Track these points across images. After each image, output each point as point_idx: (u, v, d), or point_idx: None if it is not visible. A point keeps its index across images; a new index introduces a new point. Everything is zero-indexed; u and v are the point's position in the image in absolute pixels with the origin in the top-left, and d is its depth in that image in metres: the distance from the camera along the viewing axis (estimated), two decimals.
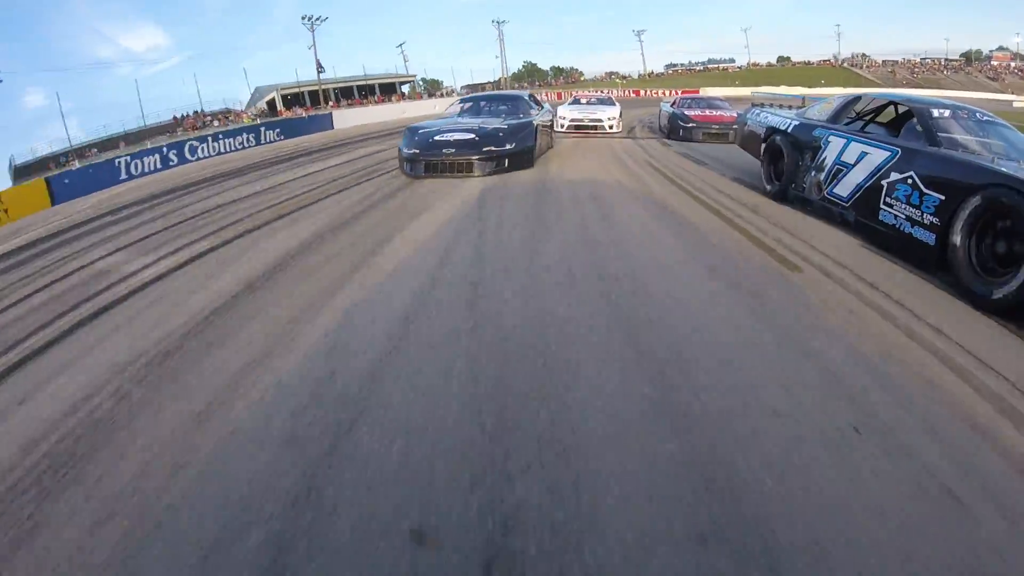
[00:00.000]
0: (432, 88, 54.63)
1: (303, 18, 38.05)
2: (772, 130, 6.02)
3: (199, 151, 16.34)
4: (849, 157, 4.59)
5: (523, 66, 70.38)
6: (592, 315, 2.93)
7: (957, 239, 3.34)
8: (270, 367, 2.50)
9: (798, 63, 66.40)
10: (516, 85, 57.23)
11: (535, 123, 8.20)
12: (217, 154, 16.84)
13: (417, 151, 7.40)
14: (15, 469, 1.92)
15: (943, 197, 3.51)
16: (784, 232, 4.54)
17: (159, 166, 14.78)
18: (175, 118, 36.90)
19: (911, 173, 3.83)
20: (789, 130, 5.66)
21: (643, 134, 13.19)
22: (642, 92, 45.97)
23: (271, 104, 40.35)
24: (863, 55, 66.45)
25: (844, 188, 4.58)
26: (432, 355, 2.54)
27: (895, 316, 2.95)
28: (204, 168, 13.42)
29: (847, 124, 5.29)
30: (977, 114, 4.41)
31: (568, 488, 1.67)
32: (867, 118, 5.51)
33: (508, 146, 7.35)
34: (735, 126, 8.55)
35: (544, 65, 72.15)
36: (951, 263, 3.37)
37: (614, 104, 13.75)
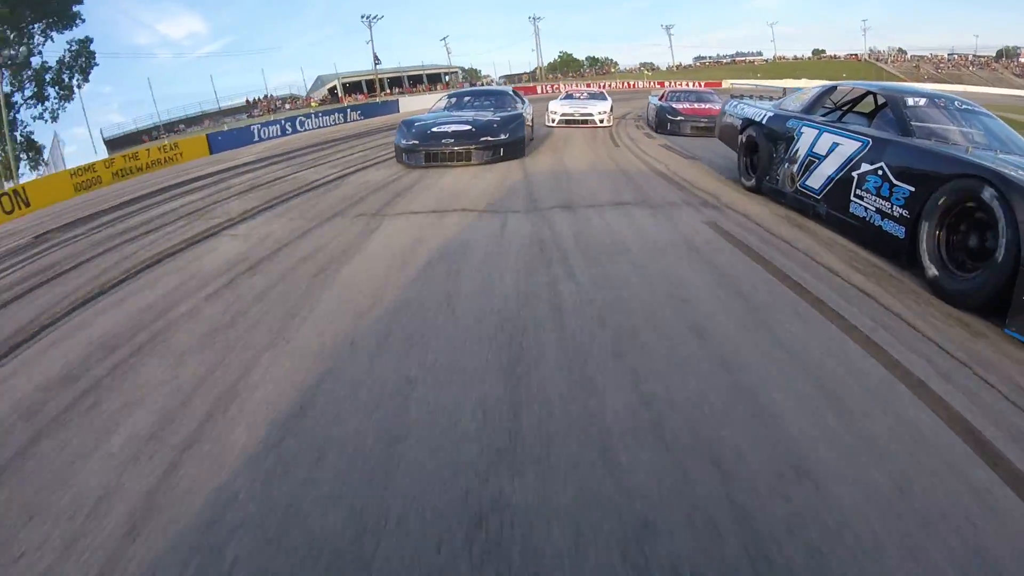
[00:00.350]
0: (472, 77, 57.29)
1: (362, 17, 42.25)
2: (748, 122, 5.82)
3: (305, 124, 21.98)
4: (821, 148, 4.40)
5: (559, 56, 69.00)
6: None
7: (925, 232, 3.16)
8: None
9: (824, 57, 65.08)
10: (551, 76, 58.28)
11: (524, 116, 8.89)
12: (316, 128, 22.19)
13: (416, 142, 7.82)
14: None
15: (913, 188, 3.32)
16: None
17: (279, 133, 20.32)
18: (247, 101, 41.63)
19: (881, 164, 3.64)
20: (764, 121, 5.46)
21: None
22: (667, 83, 45.86)
23: (332, 91, 44.30)
24: (899, 49, 64.00)
25: (816, 180, 4.39)
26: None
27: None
28: (313, 136, 17.99)
29: (824, 115, 5.09)
30: (956, 102, 4.21)
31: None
32: (844, 108, 5.31)
33: (503, 136, 7.90)
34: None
35: (580, 56, 70.79)
36: (919, 256, 3.19)
37: (605, 99, 13.83)
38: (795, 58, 64.89)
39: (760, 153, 5.39)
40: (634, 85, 47.52)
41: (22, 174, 22.87)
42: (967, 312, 2.85)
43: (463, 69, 56.37)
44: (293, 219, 5.30)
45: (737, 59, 67.69)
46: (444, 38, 69.63)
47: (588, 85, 39.63)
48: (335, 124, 23.24)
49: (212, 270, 3.95)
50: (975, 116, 4.08)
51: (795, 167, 4.73)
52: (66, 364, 2.65)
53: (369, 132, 16.48)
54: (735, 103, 6.52)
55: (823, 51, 66.78)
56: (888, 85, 4.74)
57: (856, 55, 63.72)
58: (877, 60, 62.75)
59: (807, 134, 4.66)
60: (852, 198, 3.88)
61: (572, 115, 12.65)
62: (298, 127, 21.37)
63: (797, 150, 4.74)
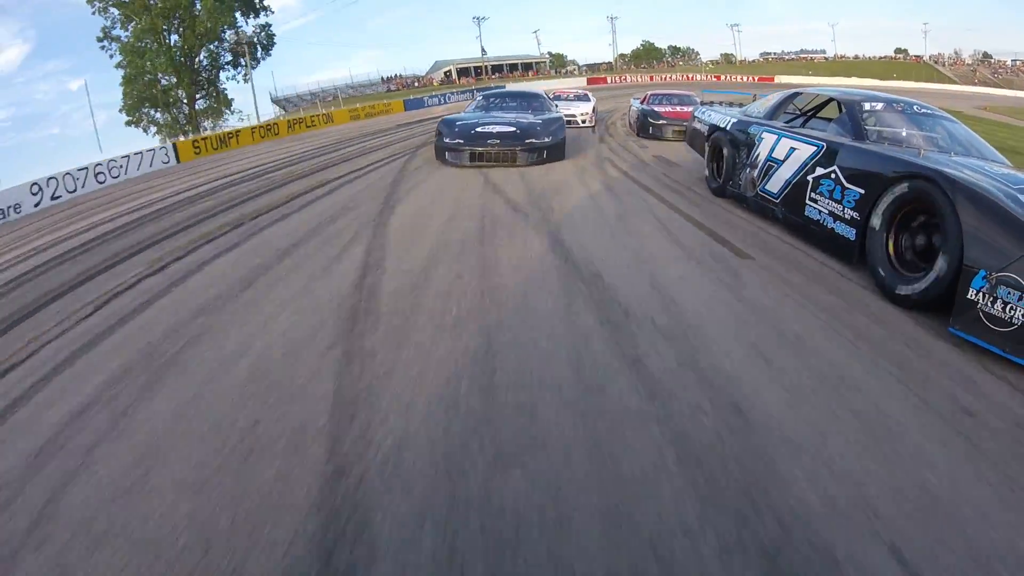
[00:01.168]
0: (557, 65, 62.70)
1: (473, 18, 53.94)
2: (714, 128, 5.83)
3: (451, 99, 30.89)
4: (779, 153, 4.39)
5: (642, 45, 68.14)
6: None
7: (874, 234, 3.14)
8: None
9: (884, 57, 63.75)
10: (632, 66, 60.43)
11: (564, 118, 9.01)
12: (458, 101, 29.38)
13: (461, 141, 7.84)
14: None
15: (863, 191, 3.31)
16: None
17: (440, 103, 29.67)
18: (383, 79, 53.19)
19: (834, 168, 3.63)
20: (728, 127, 5.47)
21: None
22: (722, 77, 46.00)
23: (447, 74, 54.40)
24: (957, 52, 64.07)
25: (774, 184, 4.38)
26: None
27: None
28: (462, 105, 21.08)
29: (787, 121, 5.11)
30: (915, 107, 4.22)
31: None
32: (807, 114, 5.33)
33: (546, 139, 7.89)
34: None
35: (661, 45, 70.00)
36: (868, 258, 3.17)
37: (589, 100, 14.40)
38: (855, 57, 63.98)
39: (724, 158, 5.39)
40: (719, 78, 47.64)
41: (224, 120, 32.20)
42: (915, 312, 2.83)
43: (551, 55, 63.54)
44: None
45: (801, 56, 66.39)
46: (536, 31, 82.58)
47: (666, 78, 44.08)
48: (467, 100, 30.99)
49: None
50: (935, 120, 4.09)
51: (755, 172, 4.72)
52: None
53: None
54: (703, 109, 6.55)
55: (905, 50, 65.32)
56: (850, 91, 4.75)
57: (919, 57, 62.45)
58: (936, 63, 61.56)
59: (767, 139, 4.67)
60: (807, 201, 3.87)
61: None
62: (447, 100, 31.02)
63: (758, 155, 4.74)
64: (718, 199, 5.42)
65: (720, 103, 7.22)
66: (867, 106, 4.03)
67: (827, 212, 3.62)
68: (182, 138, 23.02)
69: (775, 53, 68.80)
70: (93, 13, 27.36)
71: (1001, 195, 2.61)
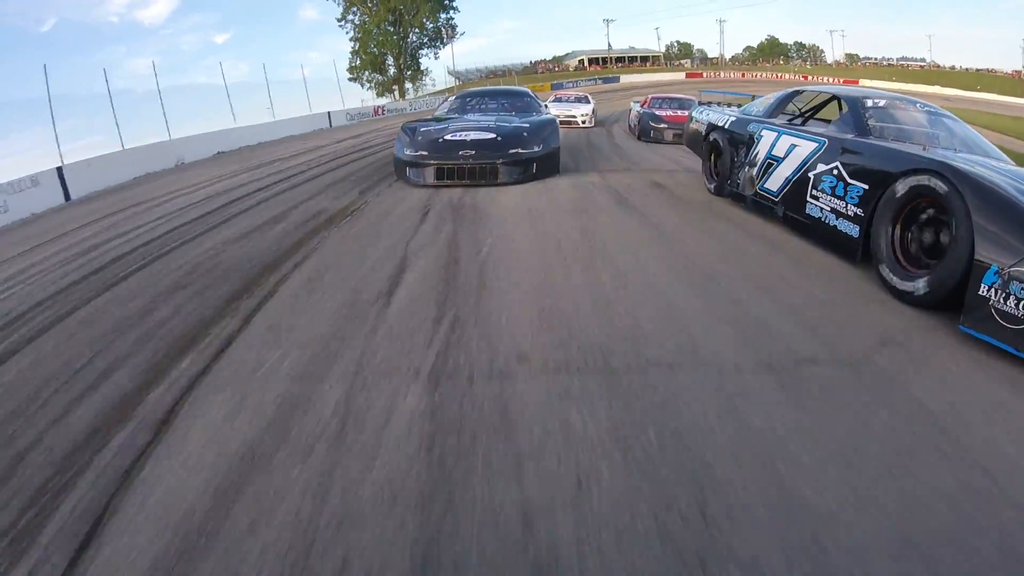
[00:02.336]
0: (682, 56, 63.89)
1: (603, 20, 61.47)
2: (712, 127, 5.74)
3: (579, 83, 38.58)
4: (779, 151, 4.30)
5: (766, 39, 65.72)
6: None
7: (879, 230, 3.04)
8: None
9: (981, 70, 59.10)
10: (753, 62, 60.91)
11: (556, 121, 7.24)
12: (583, 86, 37.99)
13: (424, 153, 6.11)
14: None
15: (866, 187, 3.21)
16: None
17: (575, 86, 37.76)
18: (531, 63, 57.46)
19: (836, 163, 3.53)
20: (726, 126, 5.38)
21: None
22: (809, 77, 45.77)
23: (581, 62, 59.04)
24: None
25: (774, 182, 4.28)
26: None
27: None
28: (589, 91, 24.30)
29: (788, 120, 5.03)
30: (918, 105, 4.14)
31: None
32: (807, 113, 5.25)
33: (535, 148, 6.24)
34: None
35: (787, 40, 67.60)
36: (873, 255, 3.07)
37: (589, 102, 14.93)
38: (951, 68, 60.80)
39: (722, 157, 5.31)
40: (806, 78, 46.58)
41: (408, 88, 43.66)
42: (923, 311, 2.72)
43: (679, 44, 66.10)
44: None
45: (898, 63, 63.70)
46: (656, 28, 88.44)
47: (755, 76, 47.72)
48: (596, 84, 41.51)
49: None
50: (938, 118, 4.00)
51: (754, 170, 4.63)
52: None
53: (620, 89, 36.50)
54: (701, 109, 6.47)
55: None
56: (851, 88, 4.68)
57: (1019, 71, 60.87)
58: None
59: (767, 137, 4.57)
60: (808, 199, 3.77)
61: (558, 116, 13.61)
62: (576, 84, 38.28)
63: (757, 153, 4.65)
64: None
65: (718, 103, 7.14)
66: (869, 103, 3.95)
67: (829, 209, 3.52)
68: (386, 97, 39.49)
69: (871, 58, 65.38)
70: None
71: (1012, 190, 2.52)
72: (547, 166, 6.41)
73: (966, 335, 2.43)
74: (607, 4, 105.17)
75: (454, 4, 43.22)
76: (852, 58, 63.33)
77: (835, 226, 3.44)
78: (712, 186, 5.51)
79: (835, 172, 3.51)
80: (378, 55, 41.67)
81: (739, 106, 6.73)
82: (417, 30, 42.40)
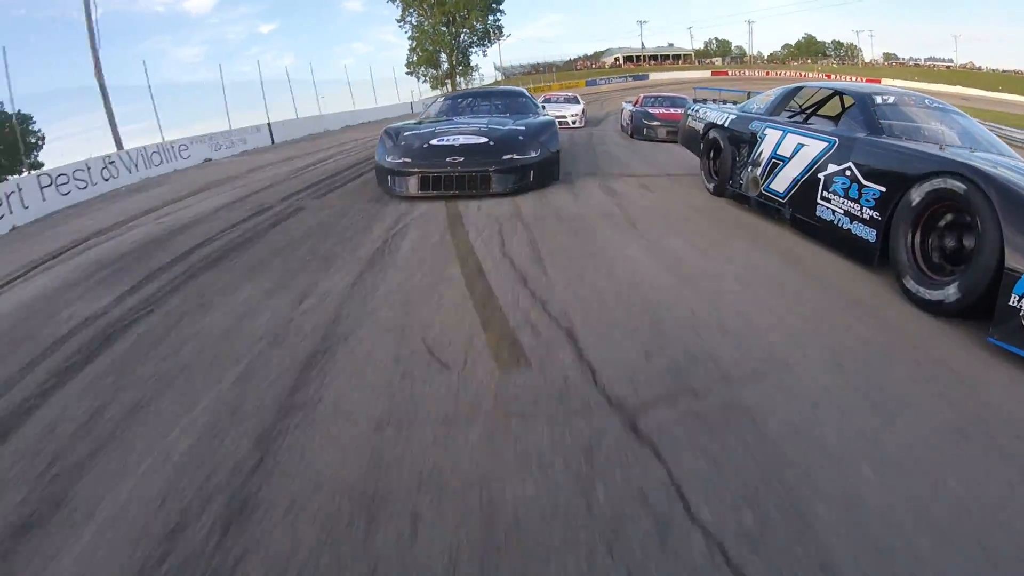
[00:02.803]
0: (703, 56, 64.94)
1: (637, 22, 61.60)
2: (710, 125, 5.60)
3: (612, 80, 46.07)
4: (785, 150, 4.17)
5: (803, 37, 65.21)
6: None
7: (898, 235, 2.92)
8: None
9: (1007, 71, 58.30)
10: (787, 61, 61.16)
11: (556, 123, 6.61)
12: (615, 83, 44.82)
13: (408, 160, 5.48)
14: None
15: (884, 189, 3.08)
16: None
17: (607, 83, 46.12)
18: (571, 59, 62.02)
19: (849, 164, 3.41)
20: (726, 124, 5.24)
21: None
22: (832, 76, 45.58)
23: (616, 60, 63.18)
24: None
25: (781, 183, 4.15)
26: None
27: None
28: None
29: (789, 117, 4.91)
30: (927, 101, 4.03)
31: None
32: (809, 110, 5.13)
33: (532, 153, 5.64)
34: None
35: (824, 38, 67.01)
36: (892, 261, 2.95)
37: (579, 103, 15.23)
38: (978, 68, 60.07)
39: (722, 157, 5.17)
40: (829, 76, 45.57)
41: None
42: (947, 319, 2.61)
43: (717, 40, 67.77)
44: None
45: (925, 63, 63.27)
46: (690, 27, 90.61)
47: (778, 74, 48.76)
48: (626, 81, 46.83)
49: None
50: (947, 115, 3.90)
51: (759, 170, 4.50)
52: None
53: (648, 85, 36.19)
54: (697, 107, 6.33)
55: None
56: (856, 84, 4.57)
57: None
58: None
59: (771, 136, 4.45)
60: (818, 201, 3.64)
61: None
62: (609, 81, 44.45)
63: (760, 152, 4.52)
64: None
65: (714, 100, 7.02)
66: (879, 99, 3.83)
67: (842, 212, 3.40)
68: (438, 90, 43.96)
69: (899, 58, 64.71)
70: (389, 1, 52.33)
71: None
72: (545, 173, 5.85)
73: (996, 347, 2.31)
74: (643, 4, 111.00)
75: (501, 7, 48.20)
76: (889, 57, 63.41)
77: (849, 229, 3.32)
78: (711, 186, 5.38)
79: (848, 173, 3.38)
80: (433, 52, 46.85)
81: (734, 103, 6.62)
82: (467, 31, 47.63)
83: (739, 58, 64.67)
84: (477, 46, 49.54)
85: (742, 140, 4.89)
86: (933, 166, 2.81)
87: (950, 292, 2.56)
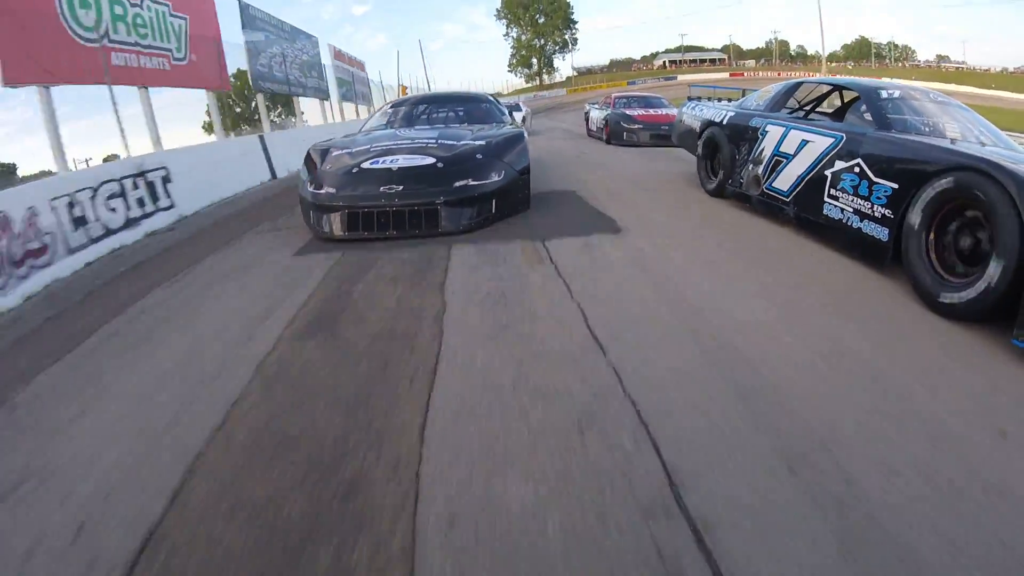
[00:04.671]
0: (738, 57, 72.03)
1: (678, 35, 74.67)
2: (708, 123, 5.48)
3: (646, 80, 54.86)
4: (788, 147, 4.04)
5: (857, 39, 67.74)
6: None
7: (912, 233, 2.80)
8: None
9: (1004, 70, 58.49)
10: (853, 64, 61.43)
11: (525, 134, 5.20)
12: (649, 83, 49.46)
13: (331, 191, 4.20)
14: None
15: (896, 186, 2.96)
16: None
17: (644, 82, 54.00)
18: (611, 60, 75.65)
19: (858, 160, 3.28)
20: (725, 121, 5.12)
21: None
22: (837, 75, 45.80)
23: (663, 64, 70.31)
24: None
25: (784, 181, 4.03)
26: None
27: None
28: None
29: (790, 113, 4.80)
30: (931, 95, 3.93)
31: None
32: (809, 107, 5.03)
33: (494, 176, 4.35)
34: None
35: (881, 39, 70.55)
36: (905, 262, 2.83)
37: (520, 110, 13.77)
38: (985, 69, 59.67)
39: (722, 155, 5.04)
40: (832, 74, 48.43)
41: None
42: (964, 323, 2.48)
43: (775, 39, 71.40)
44: None
45: (934, 63, 63.74)
46: (730, 35, 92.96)
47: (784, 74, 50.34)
48: (659, 82, 48.32)
49: None
50: (953, 109, 3.79)
51: (760, 168, 4.37)
52: None
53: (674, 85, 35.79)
54: (693, 104, 6.21)
55: None
56: (858, 79, 4.46)
57: None
58: None
59: (772, 132, 4.32)
60: (826, 199, 3.52)
61: None
62: (643, 80, 47.84)
63: (762, 150, 4.39)
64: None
65: (709, 98, 6.91)
66: (884, 93, 3.71)
67: (852, 210, 3.27)
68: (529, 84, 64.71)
69: (951, 63, 63.32)
70: (497, 17, 65.61)
71: None
72: (512, 201, 4.55)
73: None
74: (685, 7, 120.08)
75: (576, 24, 65.20)
76: (942, 59, 63.53)
77: (859, 228, 3.19)
78: (711, 187, 5.25)
79: (856, 170, 3.26)
80: (527, 57, 66.00)
81: (730, 100, 6.51)
82: (551, 43, 65.05)
83: (800, 58, 66.40)
84: (559, 52, 66.56)
85: (742, 137, 4.76)
86: (948, 161, 2.69)
87: (969, 294, 2.44)
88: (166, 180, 5.73)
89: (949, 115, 3.65)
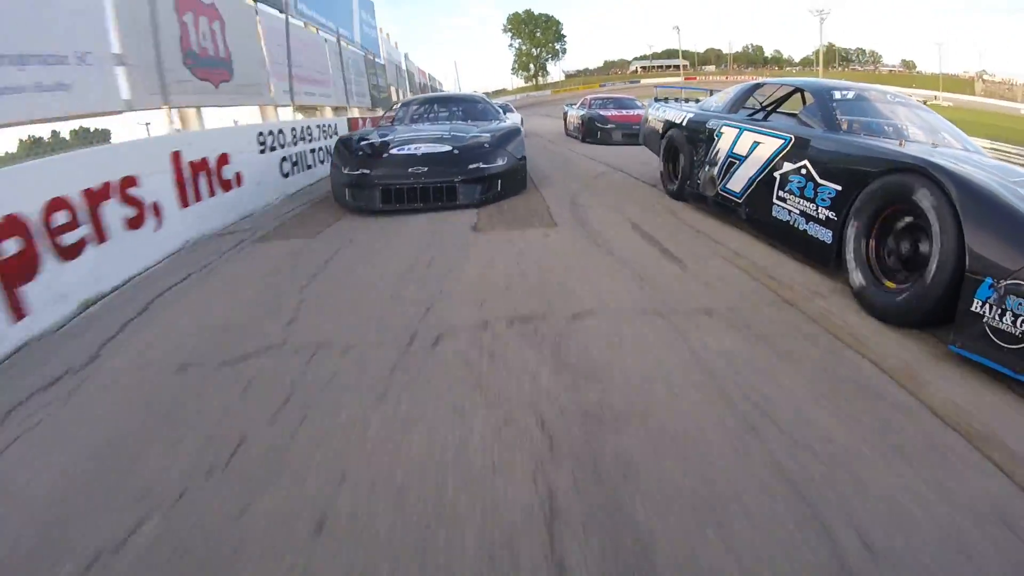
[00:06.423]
0: (702, 63, 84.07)
1: (674, 27, 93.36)
2: (669, 124, 5.42)
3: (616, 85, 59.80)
4: (741, 149, 3.98)
5: (824, 46, 69.71)
6: None
7: (852, 236, 2.73)
8: None
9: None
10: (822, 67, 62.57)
11: (521, 129, 6.25)
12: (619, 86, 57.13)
13: (367, 172, 4.95)
14: None
15: (839, 187, 2.89)
16: None
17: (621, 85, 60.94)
18: (608, 64, 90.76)
19: (805, 162, 3.22)
20: (684, 123, 5.06)
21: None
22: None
23: (635, 68, 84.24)
24: None
25: (737, 183, 3.96)
26: None
27: None
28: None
29: (749, 115, 4.74)
30: (889, 96, 3.88)
31: None
32: (770, 107, 4.97)
33: (499, 161, 5.28)
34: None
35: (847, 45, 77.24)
36: (845, 264, 2.76)
37: (512, 110, 14.74)
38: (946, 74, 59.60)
39: (682, 157, 4.98)
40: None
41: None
42: (901, 328, 2.41)
43: (752, 47, 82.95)
44: None
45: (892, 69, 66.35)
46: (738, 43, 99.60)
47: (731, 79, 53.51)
48: (626, 86, 48.05)
49: None
50: (911, 110, 3.74)
51: (715, 169, 4.31)
52: None
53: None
54: (658, 106, 6.15)
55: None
56: (816, 80, 4.42)
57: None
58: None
59: (727, 134, 4.26)
60: (774, 200, 3.45)
61: None
62: (608, 85, 48.66)
63: (717, 151, 4.33)
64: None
65: (676, 99, 6.86)
66: (837, 94, 3.65)
67: (798, 212, 3.20)
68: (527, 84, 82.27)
69: (966, 72, 61.96)
70: (503, 31, 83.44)
71: (1003, 190, 2.21)
72: (513, 183, 5.50)
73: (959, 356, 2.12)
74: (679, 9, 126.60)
75: (565, 37, 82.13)
76: (908, 65, 66.48)
77: (805, 230, 3.12)
78: (672, 188, 5.18)
79: (803, 172, 3.19)
80: (526, 63, 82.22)
81: (697, 101, 6.46)
82: (545, 52, 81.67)
83: (774, 63, 71.47)
84: (551, 60, 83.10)
85: (699, 139, 4.70)
86: (889, 162, 2.62)
87: (900, 300, 2.37)
88: None
89: (905, 116, 3.60)
